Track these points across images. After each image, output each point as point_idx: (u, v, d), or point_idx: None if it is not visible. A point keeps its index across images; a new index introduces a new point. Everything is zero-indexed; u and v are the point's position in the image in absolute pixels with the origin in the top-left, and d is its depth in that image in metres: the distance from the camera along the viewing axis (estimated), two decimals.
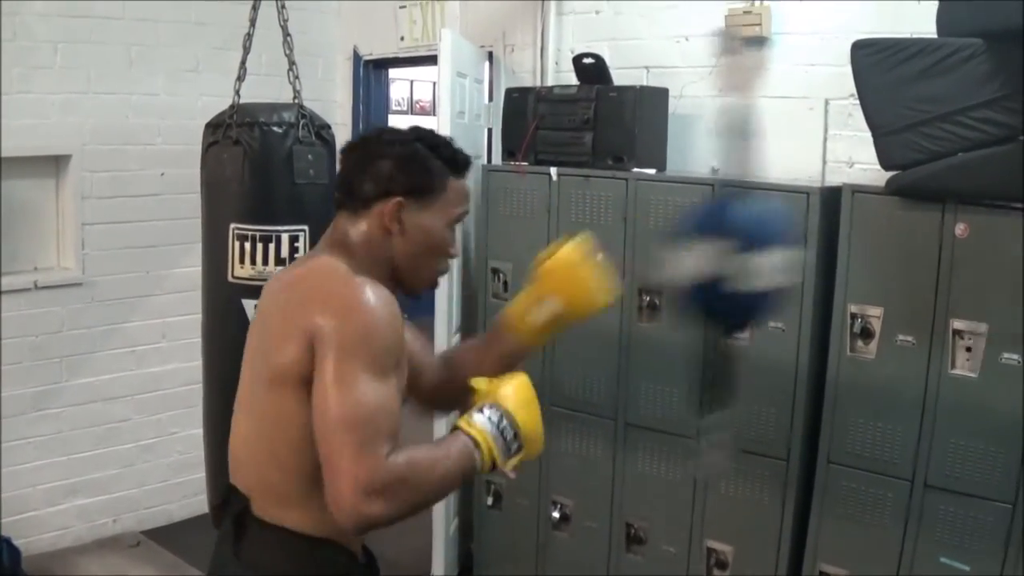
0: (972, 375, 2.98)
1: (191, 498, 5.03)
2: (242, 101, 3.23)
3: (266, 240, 3.13)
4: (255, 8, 3.31)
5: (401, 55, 5.33)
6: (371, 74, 5.56)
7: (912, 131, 2.94)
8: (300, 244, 3.16)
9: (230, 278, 3.18)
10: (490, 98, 4.73)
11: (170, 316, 4.99)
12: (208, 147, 3.25)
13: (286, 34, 3.32)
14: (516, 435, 1.91)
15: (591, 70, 4.03)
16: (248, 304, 3.13)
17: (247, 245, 3.13)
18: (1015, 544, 2.91)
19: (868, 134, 3.09)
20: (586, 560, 3.93)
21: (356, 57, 5.50)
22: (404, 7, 5.17)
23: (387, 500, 1.67)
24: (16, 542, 4.40)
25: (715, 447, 2.50)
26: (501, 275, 4.12)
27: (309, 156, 3.19)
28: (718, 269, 2.18)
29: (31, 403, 4.59)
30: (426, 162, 1.95)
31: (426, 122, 7.40)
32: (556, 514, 4.01)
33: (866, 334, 3.18)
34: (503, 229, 4.11)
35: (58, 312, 4.64)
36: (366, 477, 1.65)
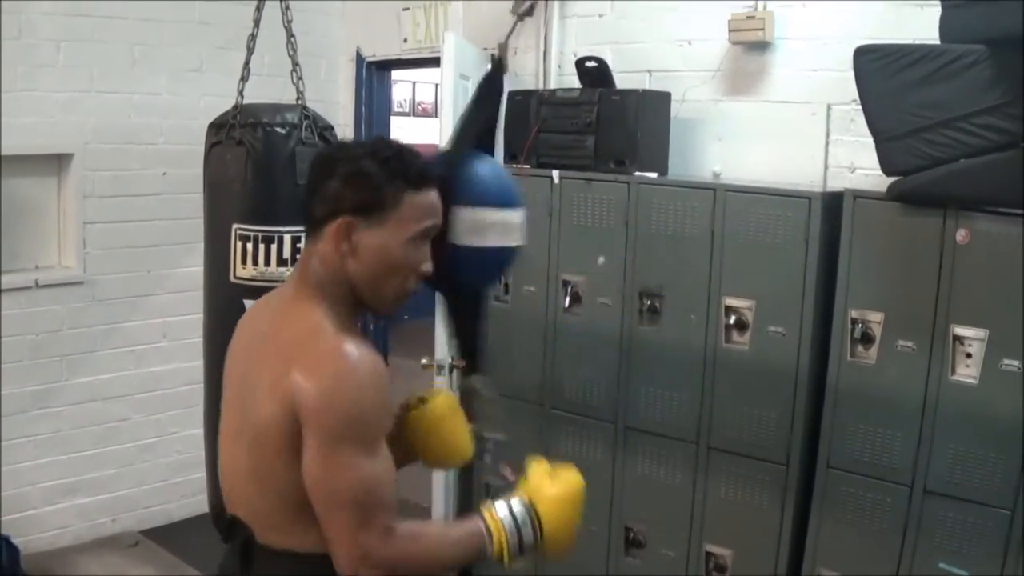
0: (972, 381, 2.98)
1: (190, 498, 5.04)
2: (245, 102, 3.23)
3: (268, 241, 3.12)
4: (259, 9, 3.31)
5: (404, 57, 5.33)
6: (374, 75, 5.57)
7: (914, 137, 2.94)
8: (302, 245, 3.15)
9: (232, 278, 3.17)
10: None
11: (171, 316, 4.99)
12: (211, 147, 3.24)
13: (290, 35, 3.32)
14: (536, 536, 1.92)
15: (594, 73, 4.03)
16: (250, 304, 3.13)
17: (249, 245, 3.13)
18: (1014, 550, 2.91)
19: (870, 139, 3.09)
20: (585, 563, 3.92)
21: (359, 58, 5.50)
22: (407, 9, 5.18)
23: (383, 570, 1.75)
24: (15, 540, 4.40)
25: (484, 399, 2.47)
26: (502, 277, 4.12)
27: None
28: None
29: (31, 401, 4.60)
30: (372, 178, 1.84)
31: (428, 124, 7.40)
32: None
33: (867, 339, 3.18)
34: None
35: (59, 311, 4.65)
36: (367, 555, 1.73)
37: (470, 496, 4.30)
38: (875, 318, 3.17)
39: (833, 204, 3.26)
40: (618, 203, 3.74)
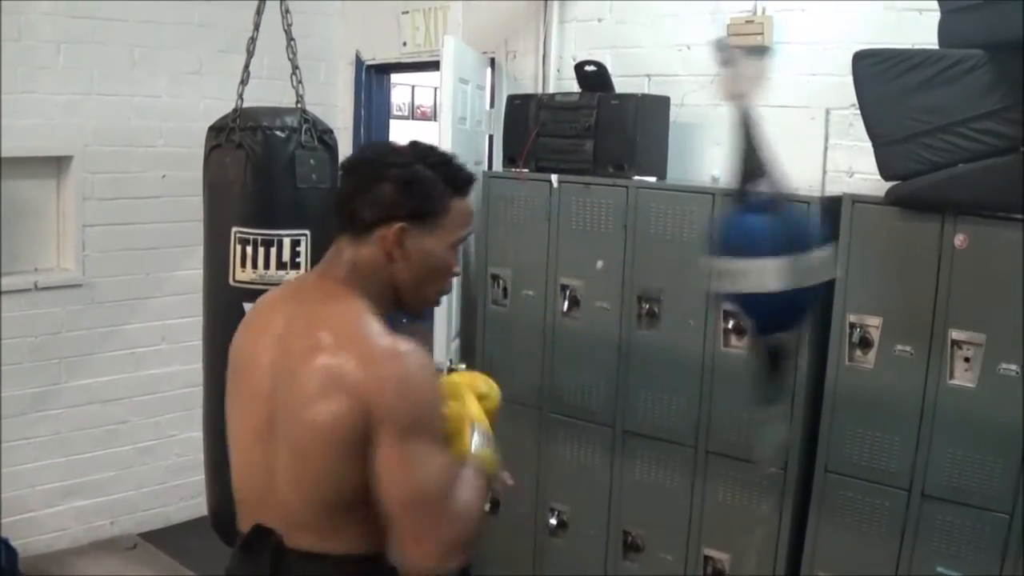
0: (970, 385, 2.98)
1: (189, 501, 5.04)
2: (245, 105, 3.24)
3: (268, 244, 3.13)
4: (259, 12, 3.31)
5: (403, 60, 5.34)
6: (373, 79, 5.57)
7: (913, 142, 2.94)
8: (301, 248, 3.16)
9: (231, 282, 3.18)
10: (492, 104, 4.74)
11: (170, 319, 4.99)
12: (211, 150, 3.25)
13: (290, 38, 3.33)
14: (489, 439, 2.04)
15: (593, 78, 4.04)
16: (249, 307, 3.13)
17: (249, 249, 3.14)
18: (1012, 554, 2.91)
19: (869, 144, 3.09)
20: (583, 567, 3.93)
21: (358, 62, 5.51)
22: (407, 13, 5.18)
23: (464, 548, 1.81)
24: (14, 543, 4.39)
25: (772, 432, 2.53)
26: (501, 281, 4.13)
27: (311, 161, 3.20)
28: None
29: (30, 404, 4.59)
30: (428, 185, 1.89)
31: (427, 128, 7.40)
32: (553, 521, 4.02)
33: (865, 344, 3.18)
34: (503, 236, 4.11)
35: (58, 313, 4.65)
36: (449, 541, 1.78)
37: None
38: (873, 322, 3.17)
39: (832, 208, 3.26)
40: (617, 207, 3.74)
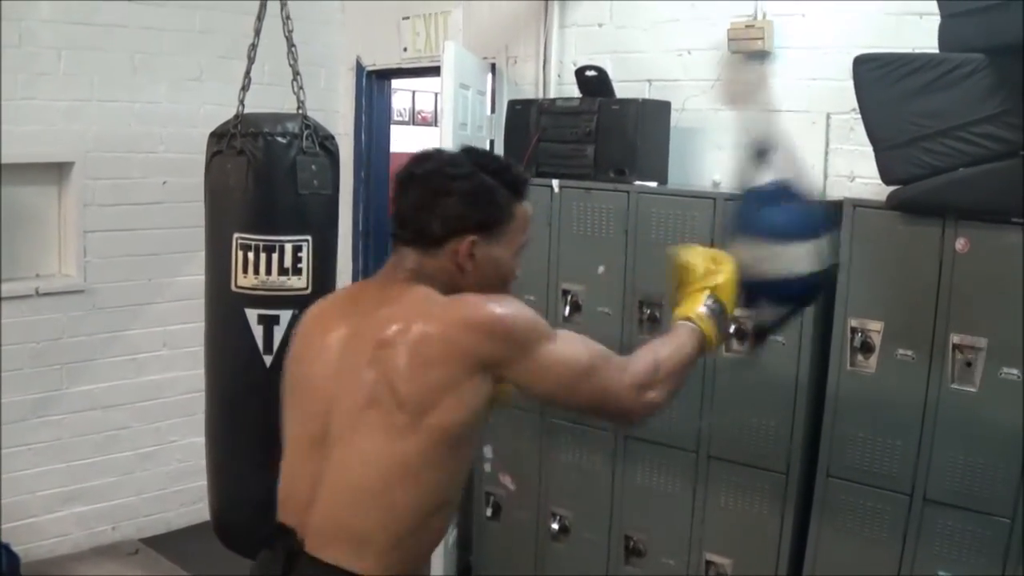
0: (972, 390, 2.98)
1: (190, 506, 5.05)
2: (246, 111, 3.24)
3: (269, 250, 3.13)
4: (260, 18, 3.31)
5: (404, 66, 5.34)
6: (374, 84, 5.58)
7: (913, 146, 2.94)
8: (303, 254, 3.16)
9: (233, 287, 3.18)
10: (492, 110, 4.74)
11: (171, 324, 4.99)
12: (212, 156, 3.25)
13: (291, 45, 3.33)
14: (725, 315, 2.16)
15: (593, 83, 4.04)
16: (251, 313, 3.15)
17: (250, 255, 3.14)
18: (1014, 558, 2.91)
19: (869, 148, 3.09)
20: (585, 572, 3.92)
21: (359, 67, 5.51)
22: (407, 18, 5.19)
23: (655, 389, 1.95)
24: (15, 548, 4.40)
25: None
26: None
27: (313, 166, 3.20)
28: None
29: (31, 409, 4.59)
30: (493, 194, 1.91)
31: (428, 133, 7.40)
32: (555, 526, 4.01)
33: (866, 348, 3.18)
34: None
35: (59, 319, 4.65)
36: (629, 383, 1.92)
37: (470, 503, 4.30)
38: (875, 327, 3.17)
39: (832, 213, 3.26)
40: (618, 212, 3.75)
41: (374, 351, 1.83)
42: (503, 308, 1.84)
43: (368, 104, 5.57)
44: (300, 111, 3.27)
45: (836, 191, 3.62)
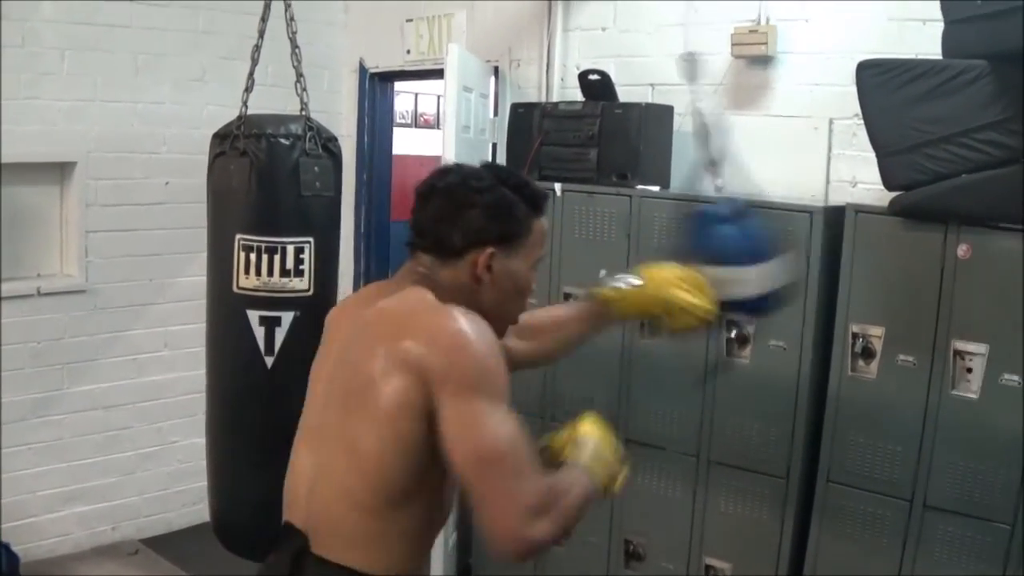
0: (973, 396, 2.98)
1: (190, 507, 5.05)
2: (249, 112, 3.24)
3: (271, 251, 3.13)
4: (264, 20, 3.32)
5: (407, 68, 5.34)
6: (376, 87, 5.57)
7: (916, 152, 2.94)
8: (305, 255, 3.17)
9: (235, 288, 3.18)
10: (495, 113, 4.74)
11: (172, 325, 5.00)
12: (215, 157, 3.25)
13: (294, 46, 3.33)
14: (613, 459, 2.01)
15: (596, 86, 4.04)
16: (252, 315, 3.15)
17: (252, 256, 3.14)
18: (1014, 565, 2.90)
19: (872, 154, 3.10)
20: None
21: (362, 70, 5.51)
22: (411, 20, 5.19)
23: (550, 519, 1.74)
24: (15, 548, 4.40)
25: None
26: None
27: (316, 168, 3.20)
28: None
29: (32, 409, 4.60)
30: (513, 208, 1.94)
31: (431, 136, 7.41)
32: None
33: (867, 354, 3.18)
34: None
35: (60, 319, 4.65)
36: (526, 501, 1.71)
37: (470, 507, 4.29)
38: (876, 332, 3.17)
39: (834, 218, 3.26)
40: (620, 216, 3.75)
41: (355, 347, 1.88)
42: (476, 336, 1.79)
43: (371, 106, 5.57)
44: (303, 113, 3.27)
45: (838, 197, 3.62)
